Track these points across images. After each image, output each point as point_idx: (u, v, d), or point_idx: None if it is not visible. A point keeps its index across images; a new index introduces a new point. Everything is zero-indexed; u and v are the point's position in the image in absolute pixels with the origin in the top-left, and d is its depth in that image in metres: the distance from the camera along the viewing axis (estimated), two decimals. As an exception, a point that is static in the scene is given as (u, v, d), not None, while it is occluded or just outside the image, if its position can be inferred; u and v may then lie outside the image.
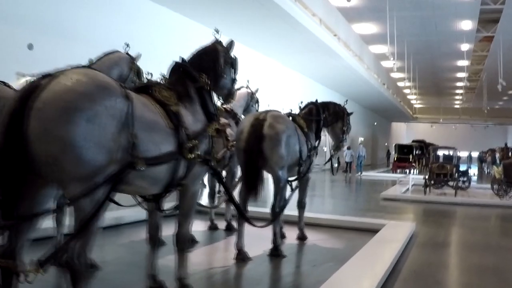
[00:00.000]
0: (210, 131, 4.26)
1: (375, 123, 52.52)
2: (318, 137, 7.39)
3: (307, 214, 8.54)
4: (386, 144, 54.61)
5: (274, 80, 23.22)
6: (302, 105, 7.65)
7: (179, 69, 4.38)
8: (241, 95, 8.31)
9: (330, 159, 7.98)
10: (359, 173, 28.51)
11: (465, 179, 18.49)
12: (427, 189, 16.44)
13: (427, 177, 16.95)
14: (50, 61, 5.00)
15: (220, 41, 4.85)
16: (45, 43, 10.66)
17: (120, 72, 5.63)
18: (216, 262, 6.25)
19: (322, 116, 7.42)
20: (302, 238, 7.44)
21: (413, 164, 35.53)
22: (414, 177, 21.38)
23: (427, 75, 39.87)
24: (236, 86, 8.21)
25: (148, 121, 3.53)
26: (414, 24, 25.68)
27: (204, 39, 4.93)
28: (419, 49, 30.59)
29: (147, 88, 3.93)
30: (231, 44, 4.92)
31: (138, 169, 3.33)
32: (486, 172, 38.10)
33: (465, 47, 29.60)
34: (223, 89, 4.91)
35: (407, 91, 48.58)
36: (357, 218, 9.15)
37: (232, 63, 4.95)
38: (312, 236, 7.65)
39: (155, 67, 5.05)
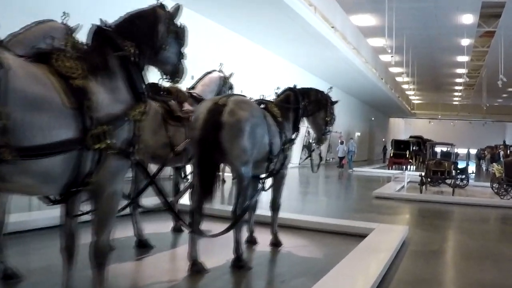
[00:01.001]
0: (134, 114, 3.27)
1: (372, 118, 51.86)
2: (296, 129, 6.43)
3: (286, 215, 7.77)
4: (383, 139, 53.74)
5: (265, 70, 22.34)
6: (279, 91, 6.67)
7: (100, 34, 3.39)
8: (212, 79, 7.39)
9: (310, 154, 6.95)
10: (351, 169, 27.86)
11: (463, 176, 17.58)
12: (424, 187, 15.49)
13: (423, 174, 16.03)
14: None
15: (162, 4, 3.87)
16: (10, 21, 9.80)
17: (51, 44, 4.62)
18: (164, 275, 5.15)
19: (301, 104, 6.43)
20: (276, 244, 6.46)
21: (410, 160, 34.59)
22: (410, 173, 20.50)
23: (426, 70, 38.96)
24: (209, 69, 7.34)
25: (32, 97, 2.59)
26: (414, 17, 24.73)
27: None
28: (418, 43, 29.65)
29: (46, 56, 2.96)
30: (177, 9, 3.93)
31: (10, 161, 2.39)
32: (484, 169, 37.32)
33: (465, 42, 28.73)
34: (165, 65, 3.99)
35: (405, 86, 47.62)
36: (342, 221, 8.11)
37: (178, 33, 3.97)
38: (289, 242, 6.68)
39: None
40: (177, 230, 7.16)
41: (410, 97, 57.13)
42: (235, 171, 5.18)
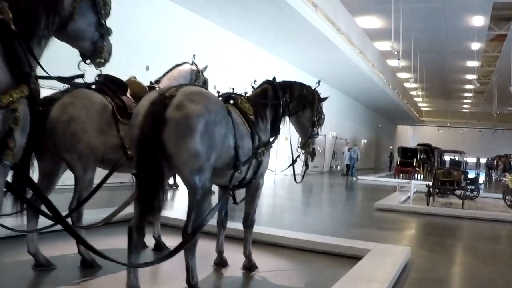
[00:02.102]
0: (6, 100, 2.22)
1: (380, 125, 50.79)
2: (275, 129, 5.36)
3: (268, 230, 6.99)
4: (391, 147, 52.52)
5: (263, 72, 21.15)
6: (256, 85, 5.60)
7: None
8: (182, 72, 6.38)
9: (294, 161, 5.80)
10: (352, 177, 27.14)
11: (473, 187, 16.39)
12: (431, 198, 14.31)
13: (431, 184, 14.87)
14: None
15: None
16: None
17: None
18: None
19: (281, 100, 5.37)
20: (249, 268, 5.35)
21: (417, 169, 33.36)
22: (417, 183, 19.34)
23: (434, 76, 37.80)
24: (179, 61, 6.51)
25: None
26: (422, 18, 23.66)
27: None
28: (426, 46, 28.49)
29: None
30: None
31: None
32: (494, 179, 36.04)
33: (475, 46, 27.63)
34: (79, 40, 3.03)
35: (413, 92, 46.46)
36: (333, 239, 6.93)
37: (95, 2, 2.96)
38: (266, 264, 5.59)
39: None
40: (158, 248, 6.12)
41: (418, 104, 55.96)
42: (184, 181, 4.07)
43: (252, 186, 5.19)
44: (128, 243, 3.82)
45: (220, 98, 4.88)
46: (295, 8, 16.18)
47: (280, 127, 5.45)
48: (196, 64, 6.62)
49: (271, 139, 5.26)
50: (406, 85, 41.08)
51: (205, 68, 6.73)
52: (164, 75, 6.30)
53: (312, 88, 5.75)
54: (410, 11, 21.60)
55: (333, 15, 20.34)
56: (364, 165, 41.20)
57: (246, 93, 5.36)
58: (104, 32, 3.18)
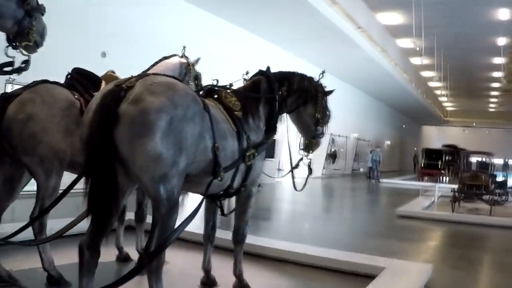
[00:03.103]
0: None
1: (404, 126, 49.64)
2: (270, 129, 4.57)
3: (269, 242, 6.36)
4: (415, 148, 51.26)
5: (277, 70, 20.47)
6: (249, 77, 4.80)
7: None
8: (169, 65, 5.61)
9: (295, 166, 4.99)
10: (374, 179, 26.58)
11: (502, 191, 15.33)
12: (456, 203, 13.31)
13: (456, 189, 13.89)
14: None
15: None
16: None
17: None
18: None
19: (277, 94, 4.58)
20: (240, 289, 4.60)
21: (442, 171, 32.21)
22: (442, 186, 18.36)
23: (459, 74, 36.46)
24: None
25: None
26: (444, 13, 22.56)
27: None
28: (450, 43, 27.30)
29: None
30: None
31: None
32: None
33: (501, 41, 26.50)
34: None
35: (437, 91, 45.20)
36: (345, 254, 6.01)
37: None
38: (262, 284, 4.85)
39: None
40: (123, 259, 5.45)
41: (443, 104, 54.59)
42: (145, 190, 3.34)
43: (242, 195, 4.39)
44: (79, 263, 3.08)
45: (201, 92, 4.21)
46: (312, 3, 15.43)
47: (277, 125, 4.65)
48: (186, 57, 5.87)
49: (265, 140, 4.43)
50: (430, 84, 39.96)
51: (197, 61, 5.95)
52: (148, 69, 5.50)
53: (315, 80, 4.90)
54: (432, 6, 20.58)
55: (352, 11, 19.50)
56: (389, 167, 40.22)
57: (231, 85, 4.57)
58: (31, 9, 2.52)
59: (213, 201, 4.42)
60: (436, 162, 32.31)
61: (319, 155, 26.65)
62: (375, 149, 29.15)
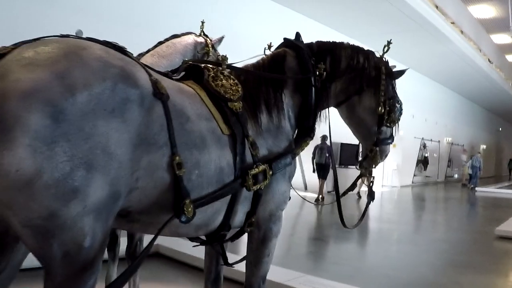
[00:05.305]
0: None
1: (500, 129, 46.49)
2: (302, 131, 2.89)
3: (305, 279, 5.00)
4: (514, 153, 47.98)
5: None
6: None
7: None
8: (178, 46, 4.14)
9: (347, 190, 3.26)
10: (472, 185, 24.89)
11: None
12: None
13: None
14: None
15: None
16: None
17: None
18: None
19: (313, 74, 2.86)
20: None
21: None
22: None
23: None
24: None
25: None
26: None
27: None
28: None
29: None
30: None
31: None
32: None
33: None
34: None
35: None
36: None
37: None
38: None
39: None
40: None
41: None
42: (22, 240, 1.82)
43: (254, 237, 2.67)
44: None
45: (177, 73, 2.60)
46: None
47: (315, 126, 2.92)
48: (206, 35, 4.40)
49: (291, 149, 2.68)
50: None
51: (220, 40, 4.48)
52: (148, 51, 4.07)
53: (374, 54, 3.14)
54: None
55: (440, 2, 18.22)
56: (484, 173, 37.62)
57: (225, 57, 2.80)
58: None
59: (209, 244, 2.80)
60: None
61: (409, 161, 25.15)
62: (475, 154, 27.09)
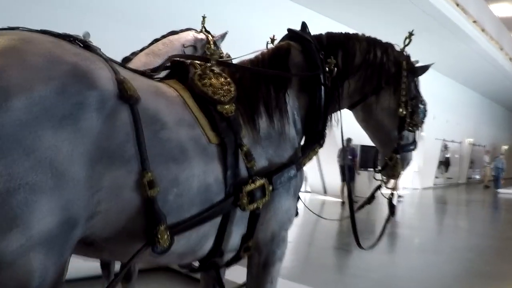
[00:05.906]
0: None
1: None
2: (310, 137, 2.47)
3: None
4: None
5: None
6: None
7: None
8: (176, 43, 3.82)
9: (364, 203, 2.88)
10: (497, 188, 24.41)
11: None
12: None
13: None
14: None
15: None
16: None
17: None
18: None
19: (322, 70, 2.44)
20: None
21: None
22: None
23: None
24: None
25: None
26: None
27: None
28: None
29: None
30: None
31: None
32: None
33: None
34: None
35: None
36: None
37: None
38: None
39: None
40: None
41: None
42: None
43: (254, 262, 2.27)
44: None
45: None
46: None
47: (325, 131, 2.52)
48: (207, 31, 4.07)
49: (296, 158, 2.29)
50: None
51: (223, 36, 4.13)
52: (142, 49, 3.76)
53: (393, 47, 2.77)
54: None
55: (462, 1, 17.84)
56: (506, 174, 36.96)
57: (228, 55, 2.83)
58: None
59: (201, 271, 2.46)
60: None
61: (430, 163, 24.70)
62: (499, 156, 26.70)
